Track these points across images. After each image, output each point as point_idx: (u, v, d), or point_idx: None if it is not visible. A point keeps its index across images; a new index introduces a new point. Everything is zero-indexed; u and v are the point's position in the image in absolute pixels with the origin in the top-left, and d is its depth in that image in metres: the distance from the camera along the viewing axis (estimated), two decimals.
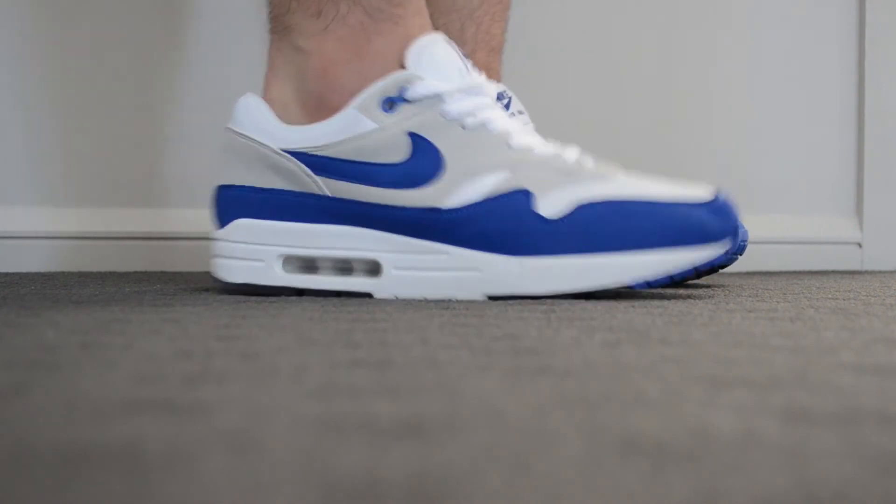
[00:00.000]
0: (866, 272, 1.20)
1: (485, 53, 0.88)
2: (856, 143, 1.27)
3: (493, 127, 0.68)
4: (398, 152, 0.68)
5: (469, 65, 0.70)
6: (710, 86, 1.22)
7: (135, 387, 0.33)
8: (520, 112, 0.86)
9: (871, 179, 1.26)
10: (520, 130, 0.70)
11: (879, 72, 1.26)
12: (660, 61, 1.21)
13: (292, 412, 0.29)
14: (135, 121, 1.07)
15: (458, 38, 0.87)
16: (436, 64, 0.68)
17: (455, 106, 0.68)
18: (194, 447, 0.25)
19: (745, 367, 0.38)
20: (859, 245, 1.26)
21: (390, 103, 0.68)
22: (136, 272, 1.00)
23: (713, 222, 0.66)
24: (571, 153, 0.70)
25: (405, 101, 0.68)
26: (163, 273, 0.98)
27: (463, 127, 0.68)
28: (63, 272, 0.99)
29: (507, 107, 0.85)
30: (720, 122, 1.23)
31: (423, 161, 0.67)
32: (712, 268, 0.74)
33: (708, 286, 0.85)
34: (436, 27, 0.80)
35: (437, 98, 0.68)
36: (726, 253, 0.68)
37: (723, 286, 0.84)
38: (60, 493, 0.21)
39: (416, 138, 0.68)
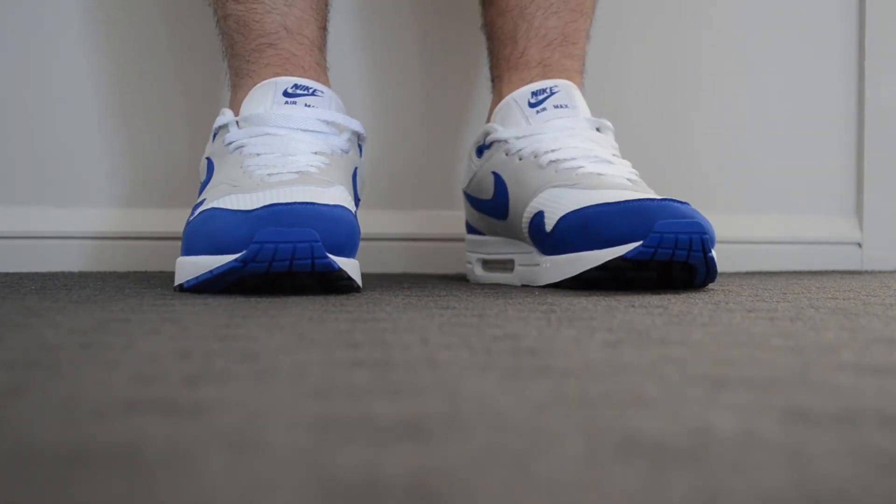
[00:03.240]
0: (866, 272, 1.20)
1: (538, 49, 0.90)
2: (856, 143, 1.26)
3: (244, 151, 0.79)
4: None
5: (285, 94, 0.81)
6: (709, 86, 1.22)
7: (135, 387, 0.33)
8: (563, 106, 0.87)
9: (871, 179, 1.26)
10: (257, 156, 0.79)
11: (879, 72, 1.26)
12: (659, 61, 1.21)
13: (292, 412, 0.29)
14: (135, 121, 1.07)
15: (512, 36, 0.90)
16: (248, 102, 0.82)
17: (230, 135, 0.80)
18: (194, 447, 0.25)
19: (745, 367, 0.38)
20: (859, 245, 1.25)
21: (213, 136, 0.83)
22: (135, 272, 1.00)
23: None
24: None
25: (214, 134, 0.83)
26: (162, 273, 0.98)
27: (228, 153, 0.80)
28: (63, 272, 0.99)
29: (541, 102, 0.87)
30: (720, 122, 1.22)
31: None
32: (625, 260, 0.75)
33: (708, 286, 0.85)
34: (494, 28, 0.92)
35: (224, 129, 0.81)
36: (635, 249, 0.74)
37: (723, 286, 0.84)
38: (60, 493, 0.21)
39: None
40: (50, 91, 1.05)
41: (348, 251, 0.72)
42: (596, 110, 1.14)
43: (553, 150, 0.84)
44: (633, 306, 0.62)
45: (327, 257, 0.68)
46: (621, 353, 0.42)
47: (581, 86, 0.91)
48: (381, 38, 1.12)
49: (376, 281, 0.89)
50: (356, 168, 0.84)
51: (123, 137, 1.06)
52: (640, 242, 0.73)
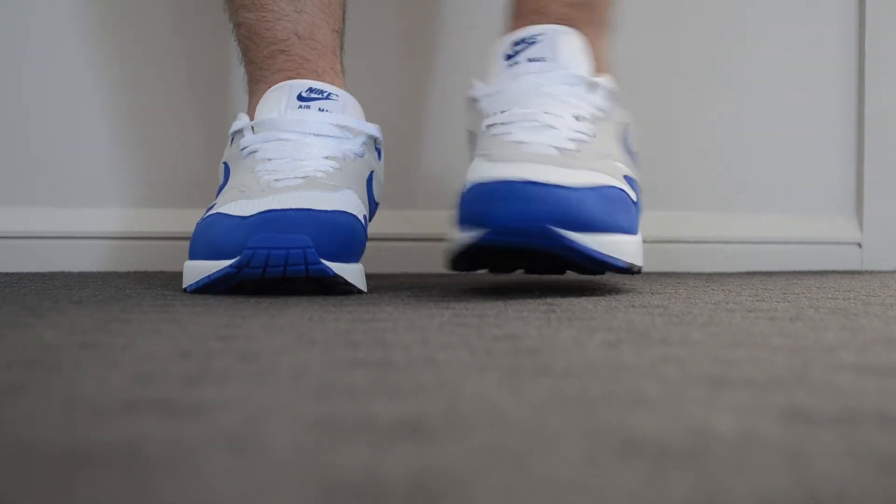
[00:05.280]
0: (866, 272, 1.20)
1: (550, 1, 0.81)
2: (856, 143, 1.26)
3: (256, 156, 0.78)
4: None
5: (293, 99, 0.81)
6: (709, 86, 1.22)
7: (135, 387, 0.33)
8: (540, 59, 0.76)
9: (871, 179, 1.26)
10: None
11: (879, 72, 1.26)
12: (659, 61, 1.21)
13: (292, 412, 0.29)
14: (135, 122, 1.07)
15: None
16: (262, 106, 0.82)
17: (244, 140, 0.80)
18: (194, 447, 0.25)
19: (745, 367, 0.38)
20: (859, 245, 1.25)
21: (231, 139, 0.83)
22: (136, 272, 1.00)
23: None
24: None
25: (231, 139, 0.83)
26: (163, 273, 0.98)
27: (242, 158, 0.80)
28: (63, 272, 0.99)
29: (517, 53, 0.77)
30: (720, 122, 1.22)
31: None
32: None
33: (708, 286, 0.85)
34: None
35: (240, 133, 0.81)
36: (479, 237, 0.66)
37: (723, 286, 0.84)
38: (60, 493, 0.21)
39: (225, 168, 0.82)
40: (51, 92, 1.05)
41: (346, 257, 0.72)
42: None
43: (501, 112, 0.75)
44: (633, 306, 0.62)
45: (321, 263, 0.68)
46: (621, 353, 0.42)
47: (597, 36, 0.80)
48: (388, 37, 1.12)
49: (376, 281, 0.89)
50: (372, 172, 0.84)
51: (124, 138, 1.06)
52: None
